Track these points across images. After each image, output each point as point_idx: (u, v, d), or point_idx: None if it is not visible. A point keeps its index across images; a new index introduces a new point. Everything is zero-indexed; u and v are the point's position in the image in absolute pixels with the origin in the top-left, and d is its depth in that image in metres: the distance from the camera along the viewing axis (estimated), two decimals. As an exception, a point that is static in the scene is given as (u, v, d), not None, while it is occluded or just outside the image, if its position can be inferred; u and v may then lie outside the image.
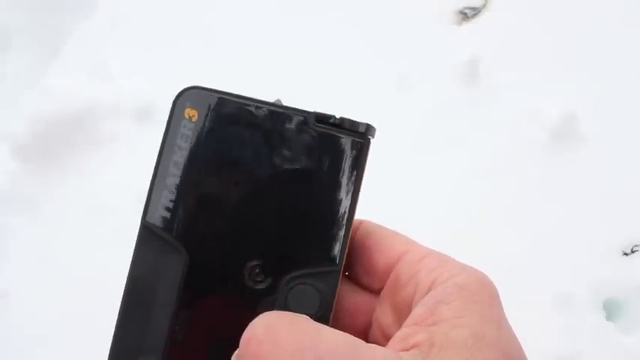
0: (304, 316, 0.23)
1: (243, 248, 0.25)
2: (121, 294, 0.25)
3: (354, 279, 0.28)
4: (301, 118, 0.25)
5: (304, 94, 1.17)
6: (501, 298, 0.24)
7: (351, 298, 0.27)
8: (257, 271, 0.25)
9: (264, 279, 0.25)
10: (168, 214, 0.25)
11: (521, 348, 0.23)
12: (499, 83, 1.18)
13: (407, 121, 1.14)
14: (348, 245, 0.25)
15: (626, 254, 1.01)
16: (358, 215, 0.27)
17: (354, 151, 0.26)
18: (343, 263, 0.25)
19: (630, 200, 1.05)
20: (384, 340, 0.25)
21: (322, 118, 0.26)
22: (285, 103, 0.26)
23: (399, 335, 0.22)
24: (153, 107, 1.14)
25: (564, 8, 1.29)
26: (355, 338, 0.22)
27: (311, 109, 0.26)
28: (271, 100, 0.26)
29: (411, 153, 1.11)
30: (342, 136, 0.26)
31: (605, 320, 0.95)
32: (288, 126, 0.25)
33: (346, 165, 0.26)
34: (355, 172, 0.26)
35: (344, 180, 0.26)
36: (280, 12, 1.32)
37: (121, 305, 0.25)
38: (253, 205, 0.25)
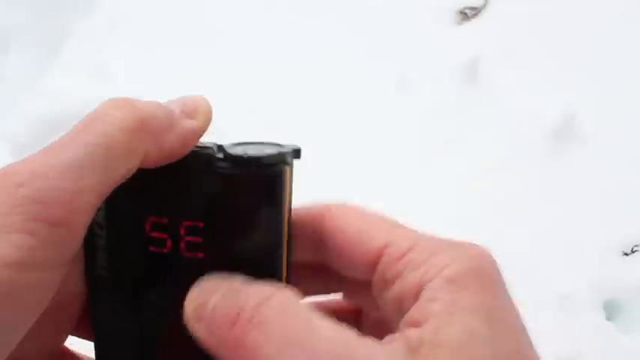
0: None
1: (179, 293, 0.24)
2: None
3: (337, 271, 0.26)
4: (206, 159, 0.24)
5: (304, 95, 1.17)
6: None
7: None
8: None
9: None
10: (106, 273, 0.25)
11: (519, 341, 0.21)
12: (499, 83, 1.18)
13: (407, 121, 1.14)
14: (283, 281, 0.25)
15: (626, 254, 1.01)
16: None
17: (262, 190, 0.24)
18: None
19: (630, 200, 1.05)
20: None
21: (225, 156, 0.24)
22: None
23: (389, 336, 0.22)
24: (153, 107, 1.14)
25: (564, 9, 1.29)
26: (350, 335, 0.20)
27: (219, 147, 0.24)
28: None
29: (411, 153, 1.11)
30: (246, 175, 0.24)
31: (605, 320, 0.95)
32: (193, 169, 0.24)
33: (257, 206, 0.24)
34: (269, 212, 0.24)
35: (258, 221, 0.24)
36: (281, 13, 1.32)
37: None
38: (177, 252, 0.24)
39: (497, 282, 0.22)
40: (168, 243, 0.24)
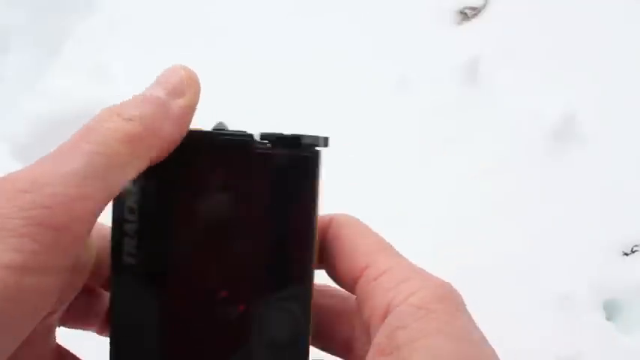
0: None
1: (210, 280, 0.25)
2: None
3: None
4: (243, 141, 0.24)
5: (304, 95, 1.17)
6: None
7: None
8: (227, 301, 0.25)
9: (235, 308, 0.25)
10: (133, 260, 0.25)
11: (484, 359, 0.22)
12: (499, 83, 1.18)
13: (407, 121, 1.14)
14: (313, 263, 0.25)
15: (626, 254, 1.01)
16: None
17: (300, 168, 0.25)
18: (312, 281, 0.25)
19: (630, 200, 1.05)
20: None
21: (264, 138, 0.25)
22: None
23: None
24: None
25: (564, 8, 1.29)
26: None
27: (253, 131, 0.25)
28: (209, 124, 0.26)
29: (410, 153, 1.11)
30: (286, 153, 0.25)
31: (605, 320, 0.95)
32: (230, 151, 0.24)
33: (295, 184, 0.25)
34: (306, 190, 0.25)
35: (295, 199, 0.25)
36: (280, 14, 1.32)
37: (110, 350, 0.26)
38: (210, 237, 0.25)
39: (462, 308, 0.23)
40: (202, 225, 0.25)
